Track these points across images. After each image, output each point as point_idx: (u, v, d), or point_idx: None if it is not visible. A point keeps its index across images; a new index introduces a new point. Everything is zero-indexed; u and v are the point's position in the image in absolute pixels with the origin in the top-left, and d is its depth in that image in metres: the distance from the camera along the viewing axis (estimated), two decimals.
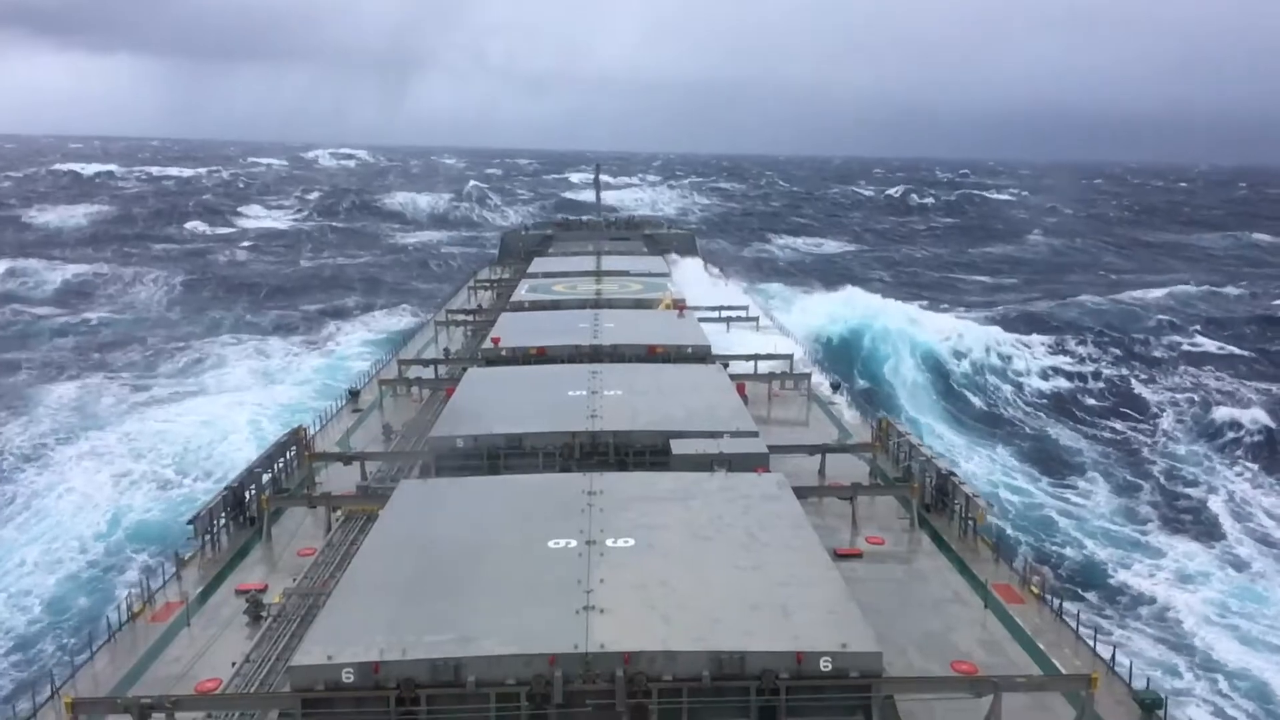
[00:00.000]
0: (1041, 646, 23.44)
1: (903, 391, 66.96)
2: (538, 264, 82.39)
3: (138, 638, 24.58)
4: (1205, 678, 37.37)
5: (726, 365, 46.12)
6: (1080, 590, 43.54)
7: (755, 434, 33.29)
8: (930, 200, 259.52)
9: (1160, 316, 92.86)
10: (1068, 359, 78.68)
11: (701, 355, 46.74)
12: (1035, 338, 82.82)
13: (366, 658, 18.32)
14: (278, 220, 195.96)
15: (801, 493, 28.21)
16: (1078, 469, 57.52)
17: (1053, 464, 58.02)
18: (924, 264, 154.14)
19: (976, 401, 68.59)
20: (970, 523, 30.25)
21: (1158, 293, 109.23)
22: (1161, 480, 56.21)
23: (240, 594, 26.49)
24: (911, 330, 78.46)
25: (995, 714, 19.06)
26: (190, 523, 30.05)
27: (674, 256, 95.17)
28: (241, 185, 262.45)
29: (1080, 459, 59.05)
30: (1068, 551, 47.17)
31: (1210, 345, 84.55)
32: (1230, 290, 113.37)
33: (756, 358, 50.27)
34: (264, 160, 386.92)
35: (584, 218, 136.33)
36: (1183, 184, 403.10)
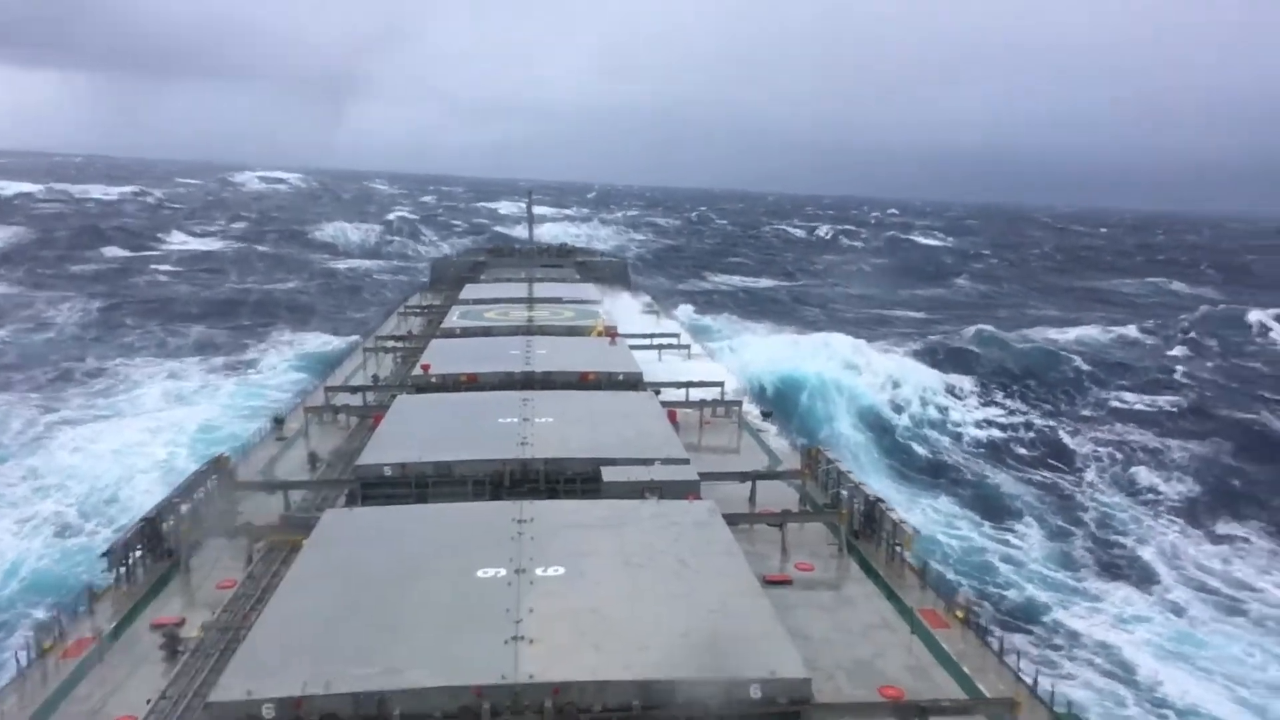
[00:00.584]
0: (966, 670, 23.75)
1: (845, 453, 68.30)
2: (469, 290, 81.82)
3: (48, 675, 23.59)
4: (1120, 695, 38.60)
5: (658, 392, 46.19)
6: (1011, 619, 44.57)
7: (686, 461, 33.32)
8: (860, 244, 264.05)
9: (1083, 365, 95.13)
10: (999, 410, 79.93)
11: (633, 382, 46.78)
12: (967, 386, 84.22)
13: (288, 692, 17.87)
14: (203, 243, 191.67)
15: (732, 520, 28.31)
16: (1015, 514, 58.67)
17: (992, 510, 58.96)
18: (858, 303, 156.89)
19: (919, 453, 69.00)
20: (897, 549, 30.63)
21: (1075, 336, 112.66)
22: (1091, 526, 57.73)
23: (156, 628, 25.58)
24: (850, 382, 78.39)
25: None
26: (105, 555, 29.04)
27: (606, 285, 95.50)
28: (167, 210, 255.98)
29: (1017, 505, 60.21)
30: (1008, 593, 48.19)
31: (1130, 396, 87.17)
32: (1146, 337, 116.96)
33: (688, 385, 50.47)
34: (191, 180, 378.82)
35: (516, 245, 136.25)
36: (1103, 229, 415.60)
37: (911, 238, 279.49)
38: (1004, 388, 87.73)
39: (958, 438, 72.55)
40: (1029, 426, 75.04)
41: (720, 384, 51.86)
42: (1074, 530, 56.43)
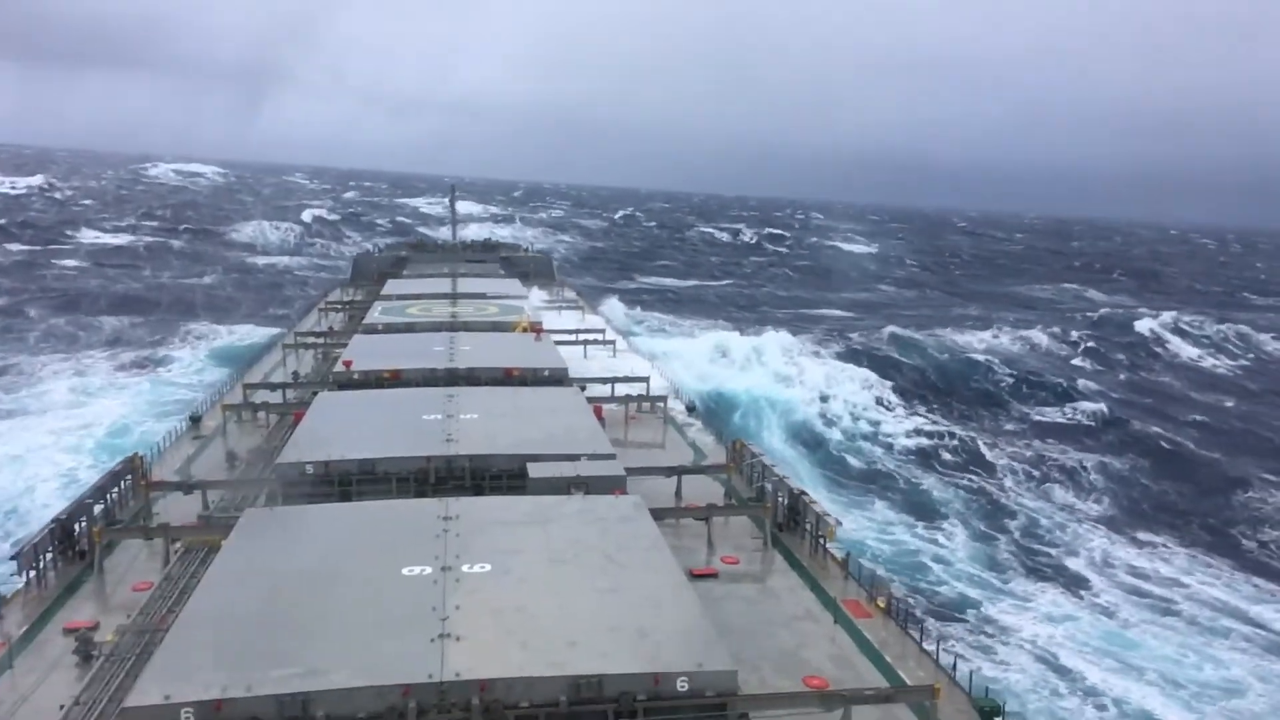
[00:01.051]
0: (889, 659, 24.26)
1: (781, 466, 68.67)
2: (391, 286, 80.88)
3: None
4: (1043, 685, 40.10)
5: (584, 388, 46.31)
6: (941, 611, 46.00)
7: (613, 456, 33.45)
8: (786, 250, 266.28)
9: (1003, 372, 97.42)
10: (924, 420, 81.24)
11: (559, 378, 46.80)
12: (893, 396, 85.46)
13: (207, 695, 17.49)
14: (114, 239, 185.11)
15: (658, 514, 28.50)
16: (942, 516, 60.02)
17: (922, 513, 60.26)
18: (786, 303, 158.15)
19: (852, 463, 69.81)
20: (821, 540, 31.13)
21: (995, 342, 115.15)
22: (1010, 525, 59.55)
23: (69, 633, 24.84)
24: (783, 395, 78.31)
25: None
26: (14, 558, 28.01)
27: (530, 280, 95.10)
28: (76, 206, 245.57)
29: (944, 508, 61.51)
30: (940, 589, 49.48)
31: (1058, 404, 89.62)
32: (1059, 346, 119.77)
33: (614, 380, 50.62)
34: (104, 173, 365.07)
35: (439, 239, 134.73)
36: (1019, 234, 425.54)
37: (836, 244, 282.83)
38: (928, 395, 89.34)
39: (888, 447, 73.72)
40: (953, 435, 76.47)
41: (646, 379, 52.11)
42: (997, 533, 58.19)
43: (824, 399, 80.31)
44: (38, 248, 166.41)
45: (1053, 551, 55.98)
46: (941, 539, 56.11)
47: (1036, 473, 70.50)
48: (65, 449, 57.50)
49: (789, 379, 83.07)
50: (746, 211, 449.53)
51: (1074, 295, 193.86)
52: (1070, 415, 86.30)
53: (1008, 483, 68.10)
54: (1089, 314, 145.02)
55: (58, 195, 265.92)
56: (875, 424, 77.84)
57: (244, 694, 17.59)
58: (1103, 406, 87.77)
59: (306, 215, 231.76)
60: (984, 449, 74.10)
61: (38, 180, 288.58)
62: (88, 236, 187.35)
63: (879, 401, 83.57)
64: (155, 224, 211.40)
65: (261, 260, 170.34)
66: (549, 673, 18.65)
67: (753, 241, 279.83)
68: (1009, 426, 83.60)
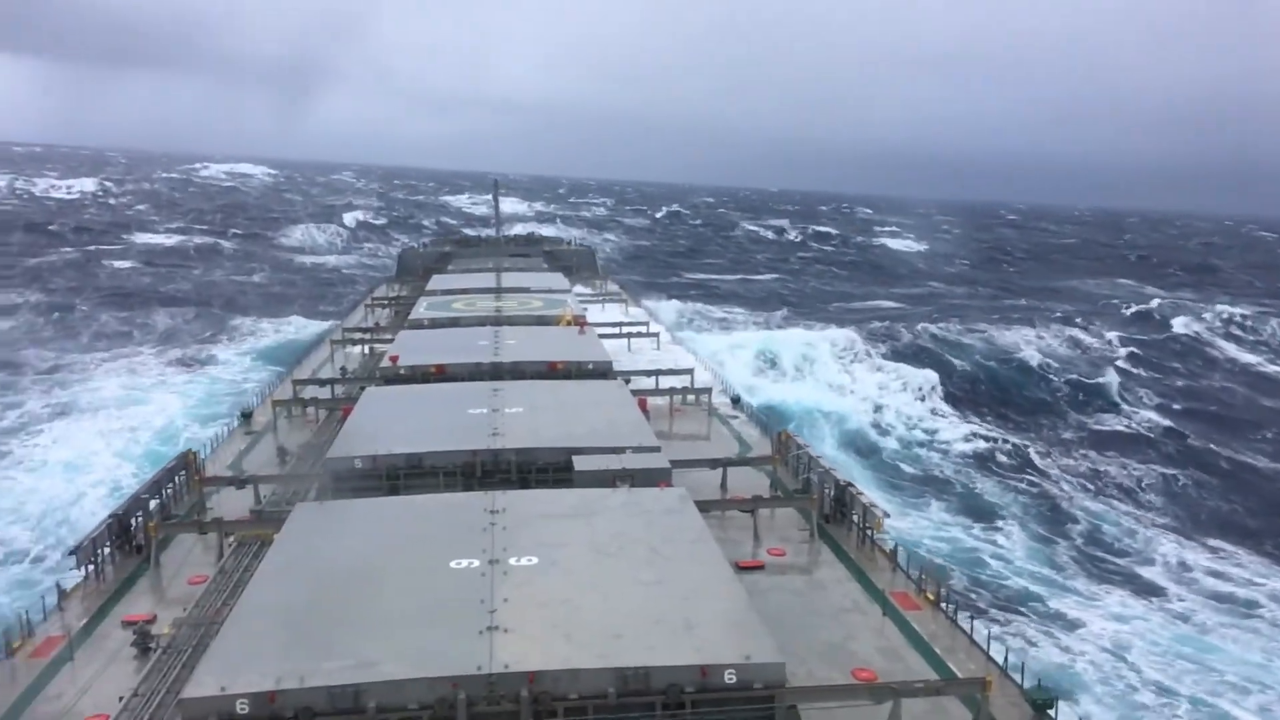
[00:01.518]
0: (938, 651, 24.01)
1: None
2: (436, 281, 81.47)
3: (17, 674, 23.30)
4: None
5: (628, 381, 46.27)
6: (1000, 602, 45.37)
7: (657, 449, 33.44)
8: (832, 248, 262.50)
9: (1058, 372, 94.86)
10: (978, 425, 78.67)
11: (603, 371, 46.83)
12: (943, 402, 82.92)
13: (261, 687, 17.76)
14: (165, 238, 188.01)
15: (703, 506, 28.45)
16: (1001, 518, 58.59)
17: (981, 514, 58.89)
18: (833, 298, 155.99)
19: (906, 469, 67.86)
20: (868, 532, 30.89)
21: (1053, 342, 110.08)
22: (1076, 532, 57.95)
23: (127, 625, 25.41)
24: (837, 404, 76.15)
25: (895, 719, 19.43)
26: (72, 552, 28.65)
27: (574, 274, 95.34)
28: (130, 207, 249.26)
29: (1004, 511, 59.95)
30: (1001, 584, 48.59)
31: (1114, 410, 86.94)
32: (1116, 347, 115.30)
33: (658, 373, 50.56)
34: (162, 174, 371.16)
35: (483, 234, 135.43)
36: (1070, 226, 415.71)
37: (883, 241, 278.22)
38: (982, 400, 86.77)
39: (944, 452, 71.63)
40: (1008, 441, 74.44)
41: (690, 371, 52.00)
42: (1058, 536, 56.77)
43: (877, 408, 78.04)
44: (96, 246, 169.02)
45: (1119, 553, 54.47)
46: (1000, 539, 54.87)
47: (1096, 479, 68.71)
48: (112, 454, 57.87)
49: (841, 387, 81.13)
50: (791, 205, 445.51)
51: (1130, 291, 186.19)
52: (1130, 423, 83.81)
53: (1066, 488, 66.43)
54: (1143, 311, 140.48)
55: (111, 201, 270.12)
56: (931, 431, 75.93)
57: (297, 685, 17.83)
58: (1158, 415, 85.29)
59: (349, 219, 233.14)
60: (1039, 455, 72.31)
61: (91, 185, 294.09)
62: (142, 233, 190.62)
63: (932, 410, 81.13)
64: (208, 220, 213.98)
65: (309, 260, 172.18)
66: (597, 664, 18.67)
67: (797, 239, 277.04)
68: (1066, 435, 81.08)
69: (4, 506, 50.63)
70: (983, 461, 70.58)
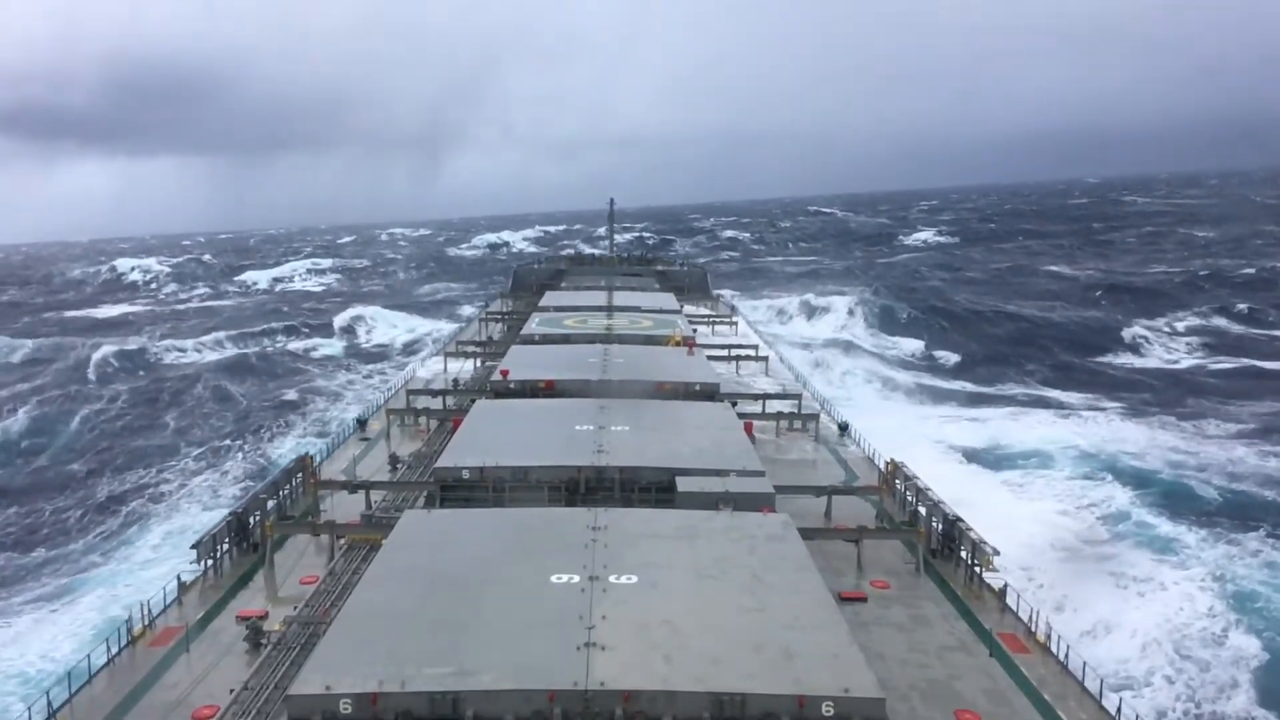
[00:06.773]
0: (1046, 698, 23.13)
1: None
2: (549, 298, 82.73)
3: (137, 662, 24.45)
4: None
5: (735, 404, 46.07)
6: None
7: (762, 473, 33.13)
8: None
9: None
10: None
11: (710, 393, 46.68)
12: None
13: (365, 689, 18.17)
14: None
15: (807, 534, 28.04)
16: None
17: None
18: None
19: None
20: (977, 569, 30.01)
21: None
22: None
23: (241, 620, 26.43)
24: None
25: None
26: (193, 547, 30.02)
27: (685, 294, 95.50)
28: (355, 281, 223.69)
29: None
30: None
31: None
32: None
33: (765, 397, 50.31)
34: (342, 242, 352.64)
35: (596, 253, 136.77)
36: None
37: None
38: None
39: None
40: None
41: (798, 396, 51.51)
42: None
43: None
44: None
45: None
46: None
47: None
48: None
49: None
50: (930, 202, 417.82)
51: None
52: None
53: None
54: None
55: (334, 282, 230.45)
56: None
57: (399, 689, 18.18)
58: None
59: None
60: None
61: (329, 267, 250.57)
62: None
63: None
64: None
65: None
66: (693, 688, 18.52)
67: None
68: None
69: None
70: None
